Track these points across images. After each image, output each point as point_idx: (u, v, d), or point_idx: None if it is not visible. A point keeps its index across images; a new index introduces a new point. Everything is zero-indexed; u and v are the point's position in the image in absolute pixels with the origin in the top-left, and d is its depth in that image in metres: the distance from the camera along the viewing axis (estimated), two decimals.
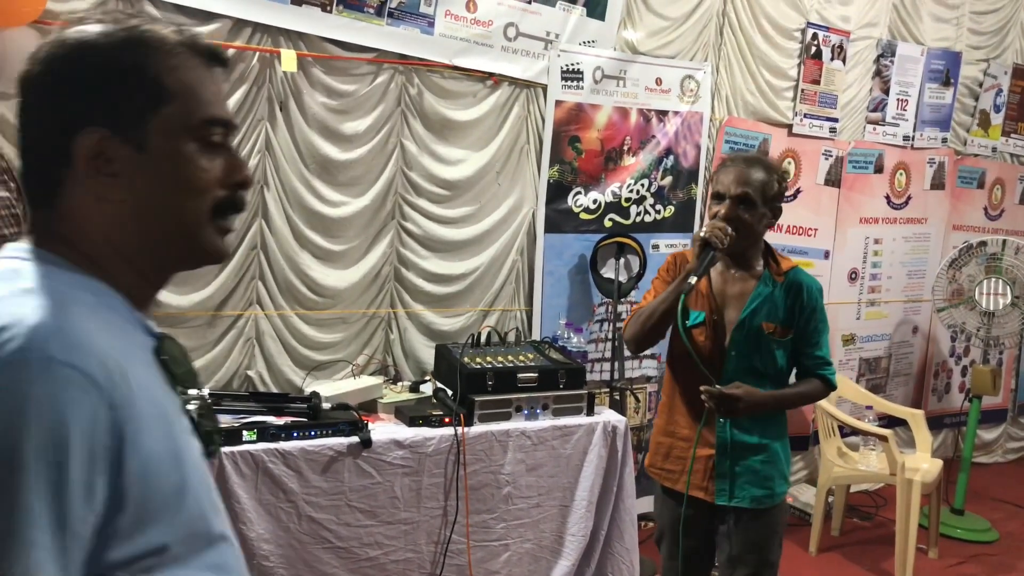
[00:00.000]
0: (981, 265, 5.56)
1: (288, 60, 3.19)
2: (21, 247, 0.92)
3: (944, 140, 5.31)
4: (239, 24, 3.14)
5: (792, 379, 2.58)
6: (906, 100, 5.05)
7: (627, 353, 3.96)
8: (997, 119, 5.57)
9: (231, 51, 3.12)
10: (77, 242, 0.93)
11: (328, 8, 3.26)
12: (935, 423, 5.63)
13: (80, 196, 0.92)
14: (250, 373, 3.38)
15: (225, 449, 2.80)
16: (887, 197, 5.13)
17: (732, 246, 2.35)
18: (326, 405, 3.07)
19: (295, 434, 2.93)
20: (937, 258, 5.43)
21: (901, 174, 5.14)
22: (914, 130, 5.13)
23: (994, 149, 5.62)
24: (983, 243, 5.37)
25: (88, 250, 0.93)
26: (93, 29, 0.92)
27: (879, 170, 5.04)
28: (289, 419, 2.97)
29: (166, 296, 3.14)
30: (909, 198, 5.23)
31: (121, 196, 0.93)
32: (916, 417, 4.57)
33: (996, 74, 5.47)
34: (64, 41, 0.92)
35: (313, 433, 2.95)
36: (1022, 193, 5.90)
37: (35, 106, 0.92)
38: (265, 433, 2.88)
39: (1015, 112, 5.65)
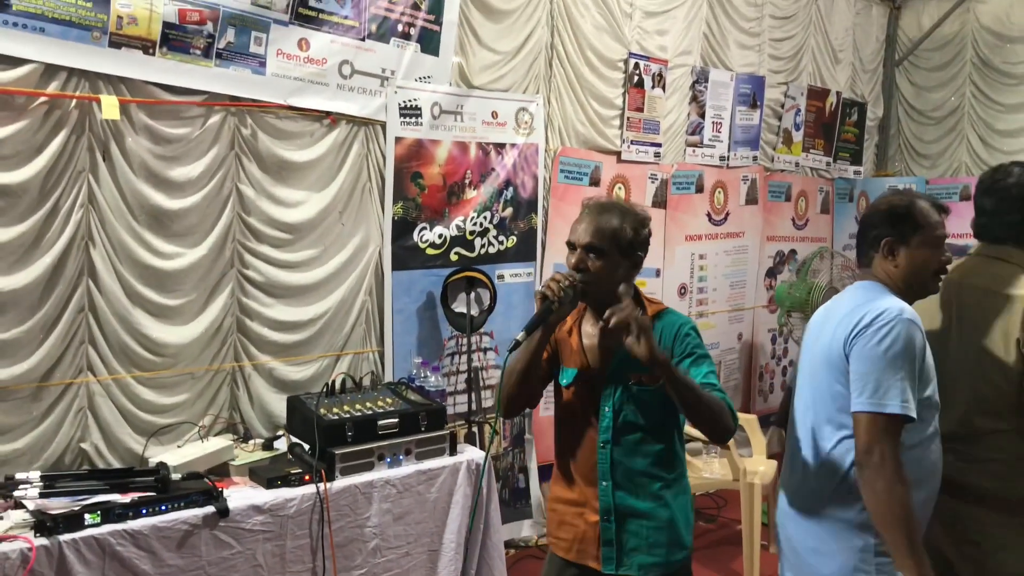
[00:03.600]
0: (792, 271, 6.01)
1: (109, 107, 2.97)
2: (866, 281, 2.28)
3: (755, 158, 5.69)
4: (51, 69, 2.89)
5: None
6: (720, 123, 5.37)
7: (487, 384, 3.97)
8: (798, 136, 6.04)
9: (41, 99, 2.87)
10: (882, 279, 2.25)
11: (151, 51, 3.06)
12: (762, 421, 6.00)
13: (879, 261, 2.27)
14: (84, 446, 3.10)
15: (65, 537, 2.55)
16: (708, 214, 5.43)
17: (592, 297, 2.24)
18: (175, 475, 2.87)
19: (144, 511, 2.71)
20: (755, 268, 5.81)
21: (719, 192, 5.46)
22: (728, 150, 5.47)
23: (797, 164, 6.09)
24: (793, 251, 5.80)
25: (887, 283, 2.24)
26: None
27: (700, 190, 5.33)
28: (135, 495, 2.75)
29: None
30: (728, 214, 5.56)
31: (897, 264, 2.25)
32: (750, 422, 4.85)
33: (794, 95, 5.93)
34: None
35: (164, 507, 2.75)
36: (822, 203, 6.42)
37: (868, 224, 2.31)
38: (110, 514, 2.65)
39: (812, 129, 6.15)
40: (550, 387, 2.43)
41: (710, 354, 2.29)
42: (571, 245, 2.26)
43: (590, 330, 2.32)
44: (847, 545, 2.18)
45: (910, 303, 2.21)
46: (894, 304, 2.13)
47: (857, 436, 2.10)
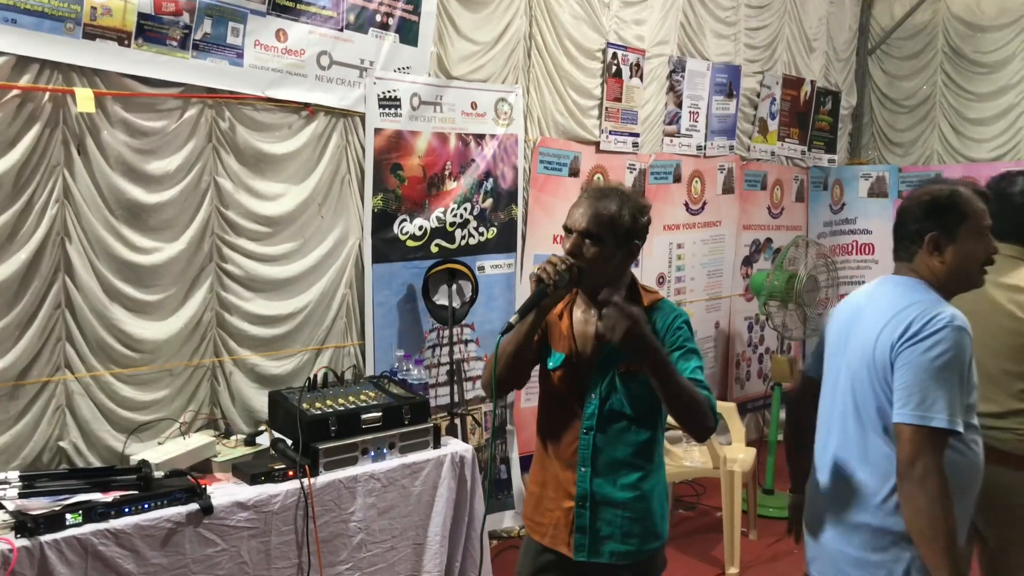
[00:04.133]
0: (768, 259, 6.05)
1: (84, 100, 2.91)
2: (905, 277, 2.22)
3: (731, 148, 5.72)
4: (23, 61, 2.82)
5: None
6: (697, 112, 5.38)
7: (469, 376, 3.97)
8: (773, 125, 6.07)
9: (13, 92, 2.81)
10: (924, 275, 2.18)
11: (126, 42, 3.00)
12: (739, 410, 6.06)
13: (923, 256, 2.19)
14: (63, 444, 3.06)
15: (46, 537, 2.52)
16: (685, 204, 5.45)
17: (586, 283, 2.21)
18: (157, 473, 2.84)
19: (126, 509, 2.68)
20: (732, 257, 5.85)
21: (697, 182, 5.48)
22: (705, 140, 5.49)
23: (773, 153, 6.12)
24: (769, 240, 5.84)
25: (929, 279, 2.18)
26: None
27: (677, 179, 5.35)
28: (117, 494, 2.72)
29: None
30: (704, 203, 5.58)
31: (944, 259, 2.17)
32: (729, 410, 4.89)
33: (770, 84, 5.96)
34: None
35: (147, 506, 2.72)
36: (797, 191, 6.47)
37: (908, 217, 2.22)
38: (92, 513, 2.62)
39: (787, 119, 6.18)
40: (535, 375, 2.41)
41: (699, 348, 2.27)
42: (567, 229, 2.22)
43: (580, 315, 2.30)
44: (892, 557, 2.09)
45: (952, 297, 2.16)
46: (945, 311, 2.04)
47: (900, 448, 2.01)
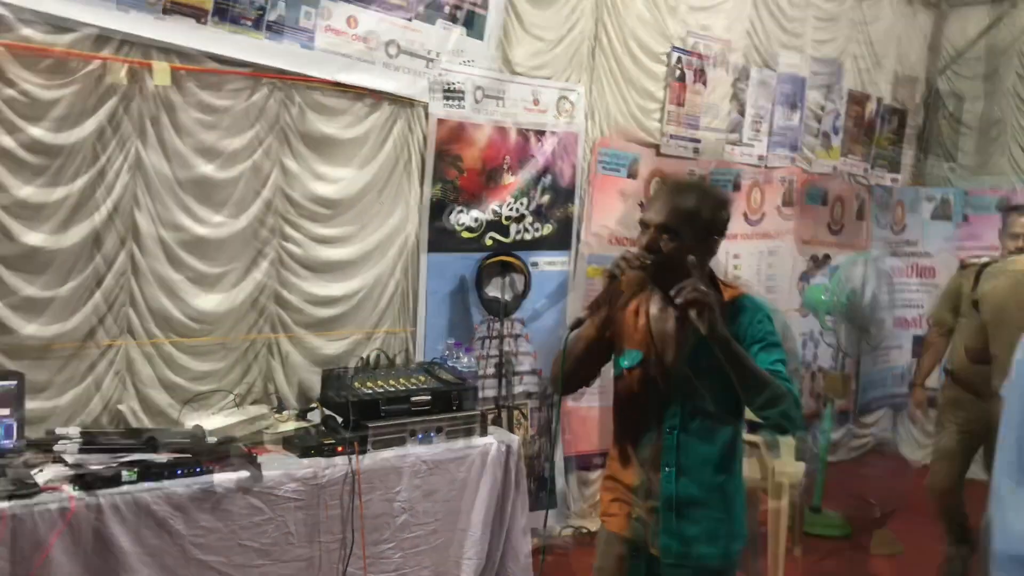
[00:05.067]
0: (827, 277, 5.96)
1: (161, 73, 3.00)
2: None
3: (793, 160, 5.65)
4: (104, 35, 2.93)
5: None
6: (760, 122, 5.34)
7: (517, 370, 3.98)
8: (836, 141, 5.99)
9: (94, 63, 2.91)
10: None
11: (203, 20, 3.09)
12: None
13: None
14: (121, 408, 3.13)
15: (103, 492, 2.58)
16: (744, 214, 5.40)
17: (662, 279, 2.10)
18: (211, 439, 2.89)
19: (179, 472, 2.74)
20: (788, 271, 5.77)
21: (756, 192, 5.43)
22: (767, 150, 5.44)
23: (835, 169, 6.04)
24: (827, 256, 5.76)
25: None
26: None
27: (736, 188, 5.30)
28: (171, 455, 2.78)
29: (25, 327, 2.88)
30: (764, 215, 5.52)
31: None
32: None
33: (835, 99, 5.88)
34: None
35: (199, 470, 2.78)
36: (858, 209, 6.37)
37: None
38: (147, 473, 2.68)
39: (851, 135, 6.09)
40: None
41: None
42: (643, 224, 2.14)
43: (657, 312, 2.19)
44: None
45: None
46: None
47: None
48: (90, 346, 3.04)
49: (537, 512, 4.38)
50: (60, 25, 2.84)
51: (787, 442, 4.77)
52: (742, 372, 2.00)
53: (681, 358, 2.15)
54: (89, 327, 3.03)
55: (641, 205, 4.18)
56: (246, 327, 3.41)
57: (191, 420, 3.13)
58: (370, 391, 3.22)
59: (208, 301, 3.28)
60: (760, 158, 5.41)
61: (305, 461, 2.99)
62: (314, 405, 3.41)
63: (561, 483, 4.45)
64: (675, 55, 4.70)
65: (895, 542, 4.81)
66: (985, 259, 4.17)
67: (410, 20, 3.64)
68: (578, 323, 2.11)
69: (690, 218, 2.09)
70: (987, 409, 3.51)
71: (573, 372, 2.24)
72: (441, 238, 3.91)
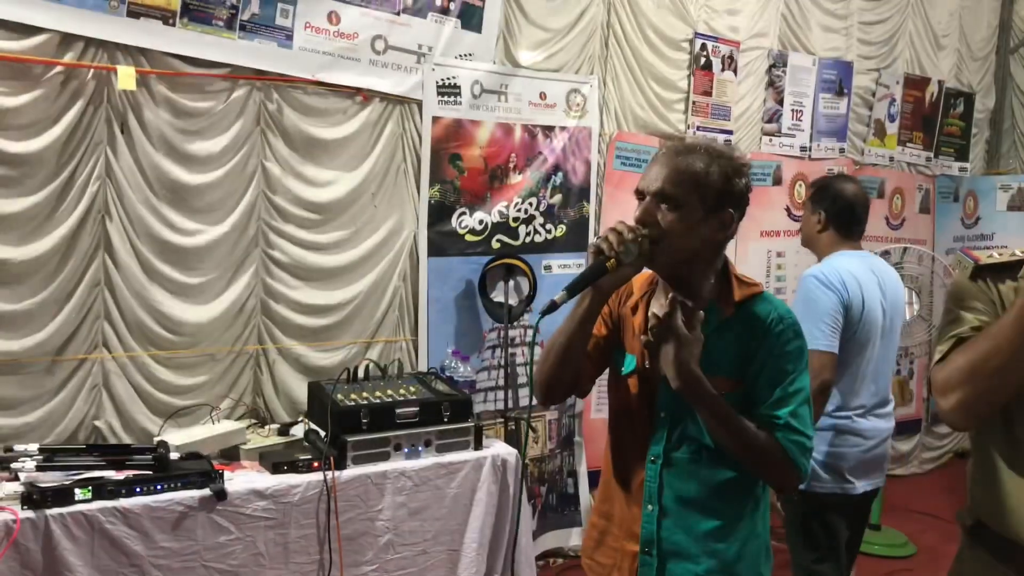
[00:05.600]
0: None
1: (125, 77, 2.91)
2: None
3: (842, 150, 5.27)
4: (68, 39, 2.85)
5: None
6: (801, 111, 4.99)
7: (521, 381, 3.75)
8: (892, 128, 5.57)
9: (57, 69, 2.83)
10: None
11: (171, 21, 2.99)
12: None
13: None
14: (98, 424, 3.05)
15: (53, 511, 2.47)
16: (787, 209, 5.04)
17: (663, 261, 1.71)
18: (175, 455, 2.76)
19: (138, 489, 2.61)
20: None
21: (800, 185, 5.07)
22: (811, 140, 5.08)
23: (891, 159, 5.61)
24: (886, 252, 5.32)
25: None
26: None
27: (777, 182, 4.96)
28: (131, 473, 2.65)
29: None
30: None
31: None
32: None
33: (888, 83, 5.47)
34: None
35: (159, 487, 2.64)
36: (921, 201, 5.91)
37: None
38: (101, 490, 2.56)
39: (909, 121, 5.66)
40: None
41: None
42: (639, 193, 1.73)
43: (658, 309, 1.74)
44: None
45: None
46: None
47: None
48: (62, 360, 2.96)
49: (560, 531, 4.16)
50: (21, 29, 2.77)
51: None
52: (716, 429, 1.66)
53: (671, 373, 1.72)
54: (61, 340, 2.95)
55: None
56: (231, 339, 3.29)
57: (173, 436, 3.01)
58: (353, 403, 3.04)
59: (188, 312, 3.17)
60: (803, 149, 5.04)
61: (276, 477, 2.83)
62: (300, 419, 3.26)
63: (586, 499, 4.19)
64: (699, 42, 4.41)
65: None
66: None
67: (398, 14, 3.48)
68: (551, 307, 1.62)
69: (696, 184, 1.67)
70: None
71: (553, 376, 1.80)
72: (444, 242, 3.72)
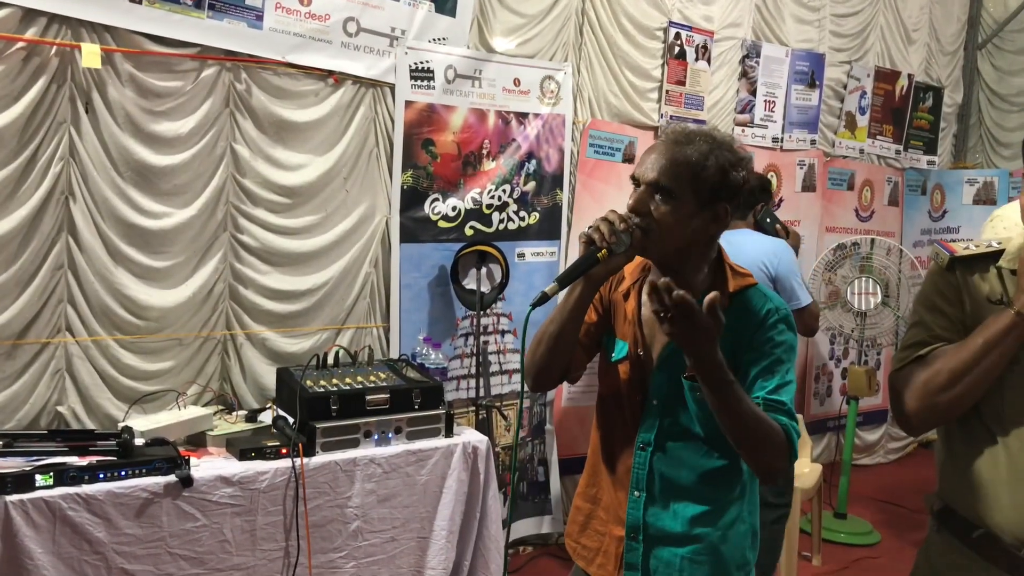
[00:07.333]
0: (855, 266, 5.58)
1: (90, 55, 2.84)
2: None
3: (813, 142, 5.30)
4: (31, 14, 2.78)
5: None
6: (773, 101, 5.01)
7: (492, 369, 3.74)
8: (863, 121, 5.61)
9: (18, 45, 2.76)
10: None
11: None
12: (818, 427, 5.59)
13: None
14: (61, 409, 2.98)
15: (12, 498, 2.41)
16: None
17: (654, 252, 1.72)
18: (139, 441, 2.71)
19: (101, 475, 2.56)
20: (812, 260, 5.40)
21: (772, 176, 5.09)
22: (783, 132, 5.10)
23: (861, 151, 5.66)
24: (855, 244, 5.38)
25: None
26: None
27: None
28: (94, 459, 2.60)
29: None
30: (781, 200, 5.18)
31: None
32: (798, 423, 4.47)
33: (859, 76, 5.51)
34: None
35: (123, 473, 2.59)
36: (890, 194, 5.96)
37: None
38: (63, 476, 2.51)
39: (879, 114, 5.70)
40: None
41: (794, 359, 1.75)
42: (634, 180, 1.73)
43: (648, 298, 1.70)
44: None
45: None
46: None
47: None
48: (23, 344, 2.89)
49: (531, 519, 4.15)
50: None
51: (803, 442, 4.43)
52: (726, 415, 1.61)
53: (663, 359, 1.76)
54: (22, 324, 2.88)
55: None
56: (198, 324, 3.23)
57: (138, 423, 2.95)
58: (322, 389, 3.01)
59: (154, 296, 3.11)
60: (775, 140, 5.07)
61: (243, 464, 2.79)
62: (269, 406, 3.21)
63: (556, 488, 4.19)
64: (672, 31, 4.41)
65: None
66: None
67: None
68: (541, 299, 1.62)
69: (692, 175, 1.65)
70: None
71: (545, 363, 1.80)
72: (417, 228, 3.69)
